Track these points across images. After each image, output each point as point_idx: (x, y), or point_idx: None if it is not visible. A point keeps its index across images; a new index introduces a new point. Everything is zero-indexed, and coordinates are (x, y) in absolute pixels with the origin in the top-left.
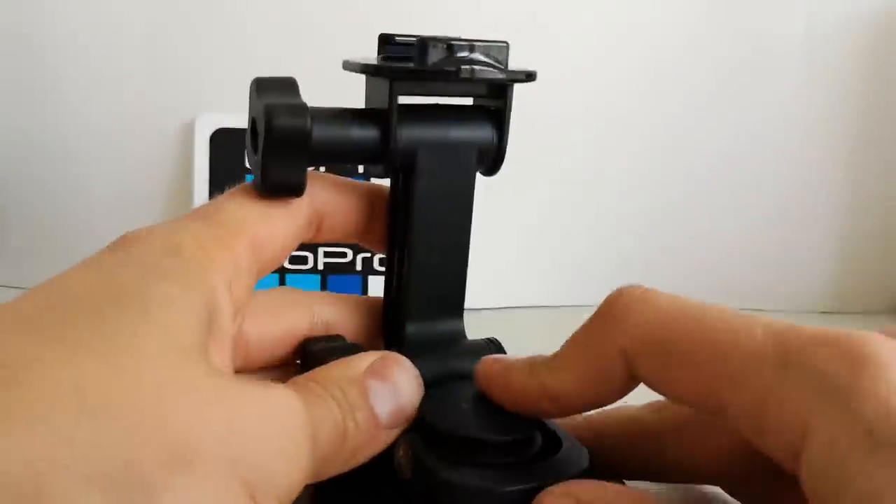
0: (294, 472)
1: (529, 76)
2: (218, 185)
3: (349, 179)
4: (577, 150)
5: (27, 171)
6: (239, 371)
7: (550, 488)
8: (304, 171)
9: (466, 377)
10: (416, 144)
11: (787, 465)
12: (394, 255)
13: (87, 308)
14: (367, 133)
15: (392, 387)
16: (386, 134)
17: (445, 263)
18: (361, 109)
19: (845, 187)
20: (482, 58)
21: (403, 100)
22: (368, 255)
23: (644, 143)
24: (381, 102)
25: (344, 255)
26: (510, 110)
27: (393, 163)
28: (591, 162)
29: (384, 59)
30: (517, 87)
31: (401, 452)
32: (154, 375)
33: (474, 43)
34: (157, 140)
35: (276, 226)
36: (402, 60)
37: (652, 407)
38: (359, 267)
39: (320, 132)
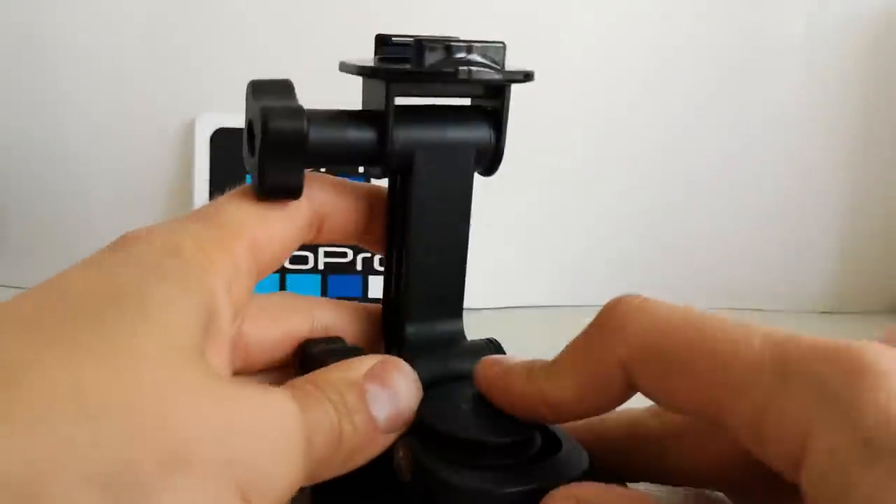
0: (288, 473)
1: (527, 76)
2: (218, 185)
3: (349, 181)
4: (577, 150)
5: (27, 171)
6: (239, 373)
7: (553, 492)
8: (302, 173)
9: (466, 378)
10: (413, 145)
11: (787, 475)
12: (393, 255)
13: (87, 308)
14: (365, 135)
15: (391, 391)
16: (383, 135)
17: (444, 264)
18: (358, 111)
19: (845, 187)
20: (479, 59)
21: (401, 100)
22: (369, 255)
23: (644, 143)
24: (378, 104)
25: (344, 255)
26: (508, 110)
27: (390, 164)
28: (590, 162)
29: (381, 60)
30: (515, 86)
31: (400, 454)
32: (152, 377)
33: (471, 44)
34: (158, 140)
35: (275, 227)
36: (398, 62)
37: (653, 410)
38: (359, 267)
39: (317, 134)
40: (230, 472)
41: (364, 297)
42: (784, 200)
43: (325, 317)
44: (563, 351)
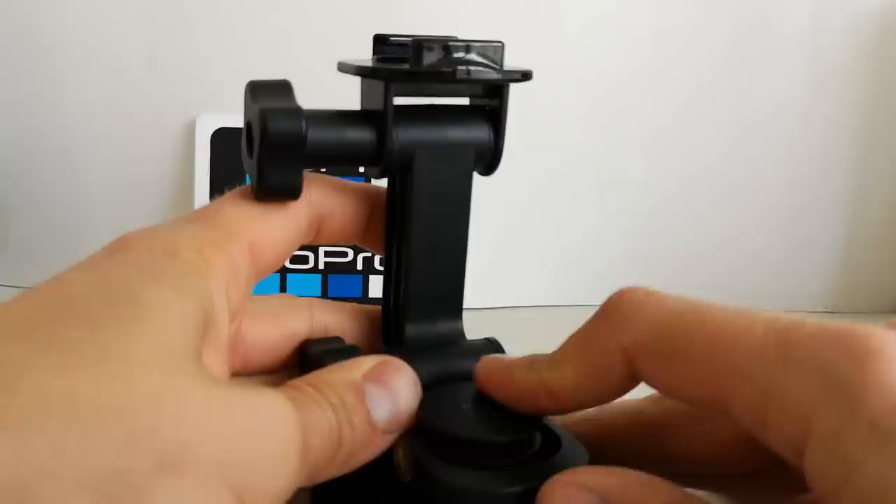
0: (283, 475)
1: (525, 76)
2: (218, 184)
3: (348, 181)
4: (577, 150)
5: (28, 172)
6: (238, 374)
7: (555, 477)
8: (301, 174)
9: (466, 378)
10: (412, 145)
11: (790, 459)
12: (392, 255)
13: (82, 312)
14: (363, 135)
15: (390, 392)
16: (382, 135)
17: (444, 264)
18: (357, 111)
19: (848, 185)
20: (478, 58)
21: (399, 100)
22: (369, 254)
23: (644, 142)
24: (377, 104)
25: (345, 254)
26: (507, 110)
27: (389, 164)
28: (590, 162)
29: (379, 60)
30: (513, 85)
31: (400, 454)
32: (146, 381)
33: (470, 43)
34: (159, 140)
35: (274, 229)
36: (397, 61)
37: (653, 398)
38: (359, 267)
39: (316, 135)
40: (225, 474)
41: (364, 296)
42: (785, 199)
43: (325, 318)
44: (565, 342)
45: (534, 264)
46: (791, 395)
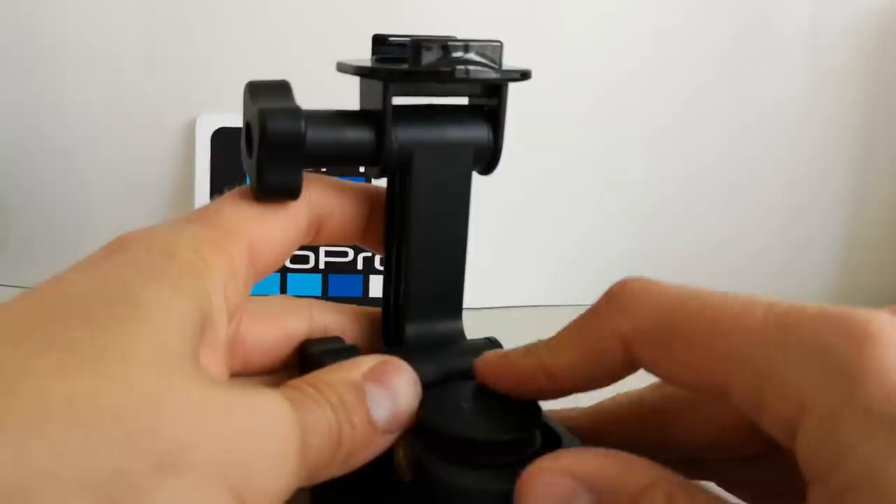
0: (282, 475)
1: (524, 75)
2: (219, 184)
3: (348, 181)
4: (577, 150)
5: (29, 172)
6: (238, 375)
7: (533, 465)
8: (300, 174)
9: (466, 377)
10: (411, 145)
11: (783, 441)
12: (392, 255)
13: (81, 312)
14: (363, 135)
15: (390, 391)
16: (381, 135)
17: (443, 263)
18: (356, 111)
19: (849, 188)
20: (477, 58)
21: (398, 100)
22: (369, 254)
23: (644, 142)
24: (376, 104)
25: (345, 254)
26: (505, 109)
27: (389, 164)
28: (590, 162)
29: (378, 60)
30: (512, 84)
31: (400, 454)
32: (144, 382)
33: (469, 43)
34: (159, 140)
35: (274, 229)
36: (396, 61)
37: (653, 386)
38: (360, 266)
39: (315, 135)
40: (223, 475)
41: (365, 296)
42: (785, 199)
43: (324, 318)
44: (564, 326)
45: (533, 264)
46: (788, 377)
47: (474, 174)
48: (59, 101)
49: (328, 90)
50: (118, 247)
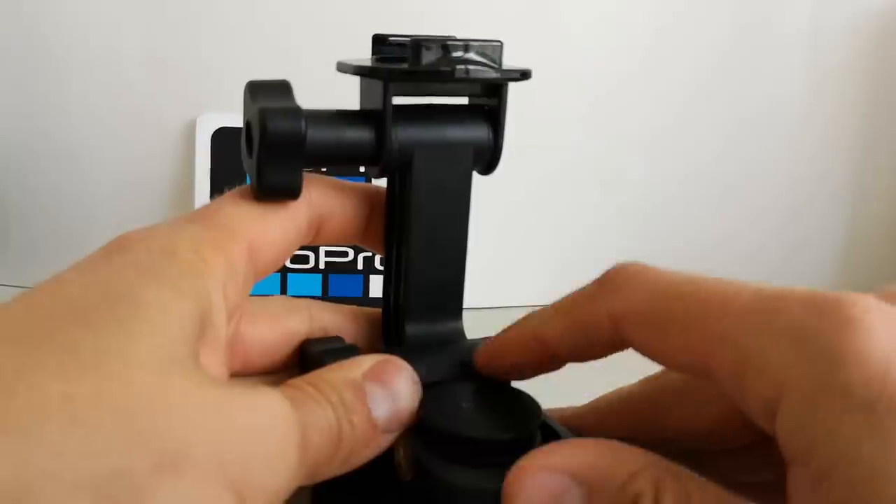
0: (282, 474)
1: (524, 75)
2: (219, 184)
3: (348, 181)
4: (577, 150)
5: (29, 172)
6: (238, 375)
7: (520, 462)
8: (300, 174)
9: (466, 377)
10: (411, 145)
11: (764, 425)
12: (392, 255)
13: (80, 313)
14: (363, 135)
15: (390, 391)
16: (381, 135)
17: (444, 263)
18: (356, 111)
19: (848, 187)
20: (477, 57)
21: (398, 100)
22: (370, 254)
23: (644, 142)
24: (376, 104)
25: (345, 254)
26: (505, 109)
27: (389, 164)
28: (590, 162)
29: (378, 59)
30: (512, 84)
31: (400, 453)
32: (143, 382)
33: (469, 43)
34: (159, 140)
35: (274, 229)
36: (396, 61)
37: (643, 381)
38: (360, 266)
39: (315, 135)
40: (224, 473)
41: (365, 296)
42: (784, 198)
43: (323, 319)
44: (559, 300)
45: (533, 264)
46: (769, 358)
47: (474, 174)
48: (60, 101)
49: (328, 90)
50: (118, 247)
